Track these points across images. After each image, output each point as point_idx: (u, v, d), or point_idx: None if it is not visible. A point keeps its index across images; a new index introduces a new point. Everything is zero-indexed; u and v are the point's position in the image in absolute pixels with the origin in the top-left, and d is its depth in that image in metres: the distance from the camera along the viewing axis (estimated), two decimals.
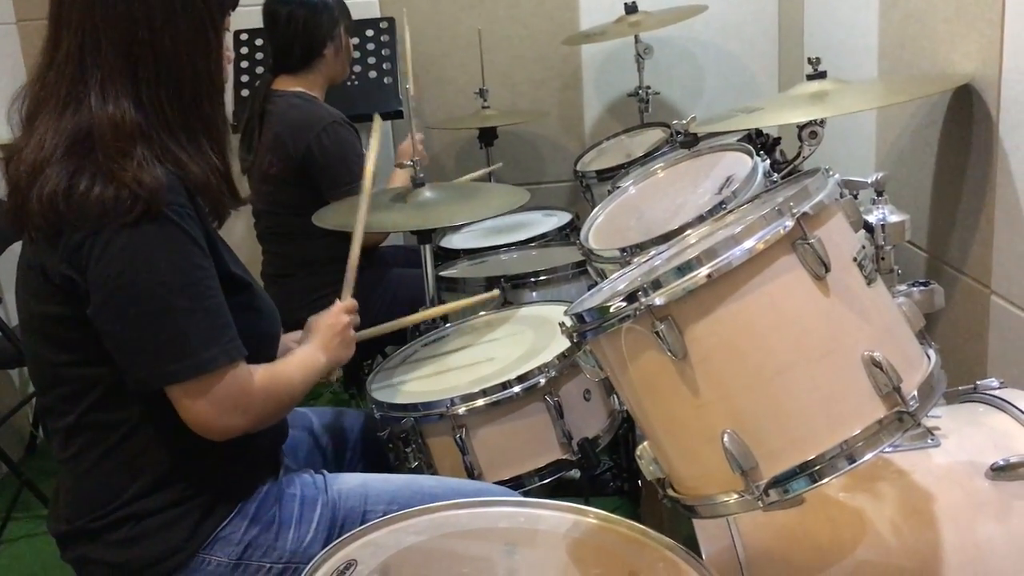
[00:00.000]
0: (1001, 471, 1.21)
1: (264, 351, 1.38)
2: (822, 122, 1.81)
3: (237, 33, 3.06)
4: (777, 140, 2.16)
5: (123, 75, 1.24)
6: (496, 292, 1.99)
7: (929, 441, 1.28)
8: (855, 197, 1.14)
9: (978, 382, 1.41)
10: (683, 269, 1.01)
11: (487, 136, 3.09)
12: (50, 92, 1.26)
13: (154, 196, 1.19)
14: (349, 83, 3.01)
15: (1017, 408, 1.31)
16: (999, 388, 1.39)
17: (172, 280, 1.21)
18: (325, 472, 1.48)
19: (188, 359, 1.22)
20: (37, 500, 2.56)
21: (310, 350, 1.48)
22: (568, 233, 2.66)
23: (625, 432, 1.93)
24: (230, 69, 1.39)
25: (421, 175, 1.97)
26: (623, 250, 1.56)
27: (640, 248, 1.50)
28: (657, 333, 1.01)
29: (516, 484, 1.56)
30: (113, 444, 1.30)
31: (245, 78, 3.09)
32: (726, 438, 1.00)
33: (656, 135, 2.76)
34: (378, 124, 1.92)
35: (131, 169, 1.19)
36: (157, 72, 1.26)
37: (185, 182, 1.25)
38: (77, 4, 1.24)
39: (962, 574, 1.18)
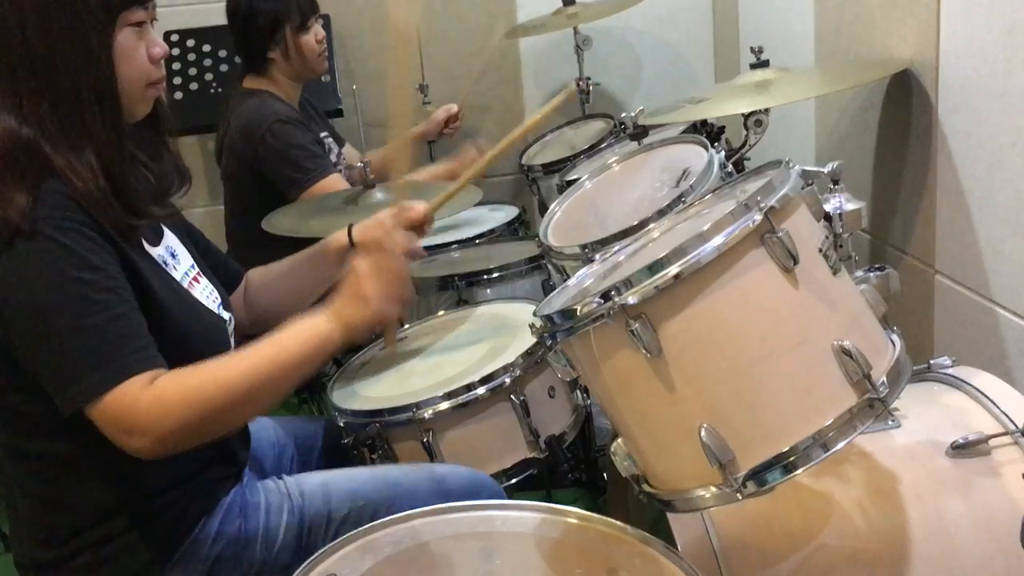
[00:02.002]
0: (961, 449, 1.25)
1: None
2: (766, 110, 1.83)
3: (168, 34, 2.99)
4: (722, 129, 2.19)
5: (7, 90, 1.18)
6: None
7: (890, 422, 1.31)
8: (812, 186, 1.16)
9: (931, 361, 1.45)
10: (654, 267, 1.01)
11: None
12: None
13: (23, 215, 1.13)
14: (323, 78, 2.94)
15: (972, 386, 1.35)
16: (952, 367, 1.43)
17: (48, 301, 1.14)
18: (285, 476, 1.45)
19: (77, 385, 1.15)
20: None
21: (313, 323, 1.27)
22: (517, 227, 2.66)
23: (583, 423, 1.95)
24: (149, 69, 1.28)
25: (371, 177, 1.95)
26: (584, 246, 1.57)
27: (602, 244, 1.51)
28: (631, 332, 1.02)
29: None
30: (57, 472, 1.26)
31: (178, 80, 3.01)
32: (703, 432, 1.02)
33: (599, 126, 2.78)
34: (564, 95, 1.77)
35: (7, 189, 1.14)
36: (36, 81, 1.19)
37: (78, 193, 1.18)
38: None
39: (928, 550, 1.21)
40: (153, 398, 1.16)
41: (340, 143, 2.76)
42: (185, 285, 1.37)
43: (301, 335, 1.27)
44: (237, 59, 2.92)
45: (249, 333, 1.54)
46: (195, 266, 1.43)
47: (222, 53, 3.00)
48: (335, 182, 2.37)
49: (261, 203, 2.36)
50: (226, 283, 1.56)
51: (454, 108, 2.85)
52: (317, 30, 2.49)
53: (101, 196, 1.20)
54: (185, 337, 1.28)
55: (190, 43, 3.04)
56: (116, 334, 1.16)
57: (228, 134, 2.43)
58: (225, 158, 2.47)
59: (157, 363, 1.19)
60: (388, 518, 1.19)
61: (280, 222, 2.00)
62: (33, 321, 1.15)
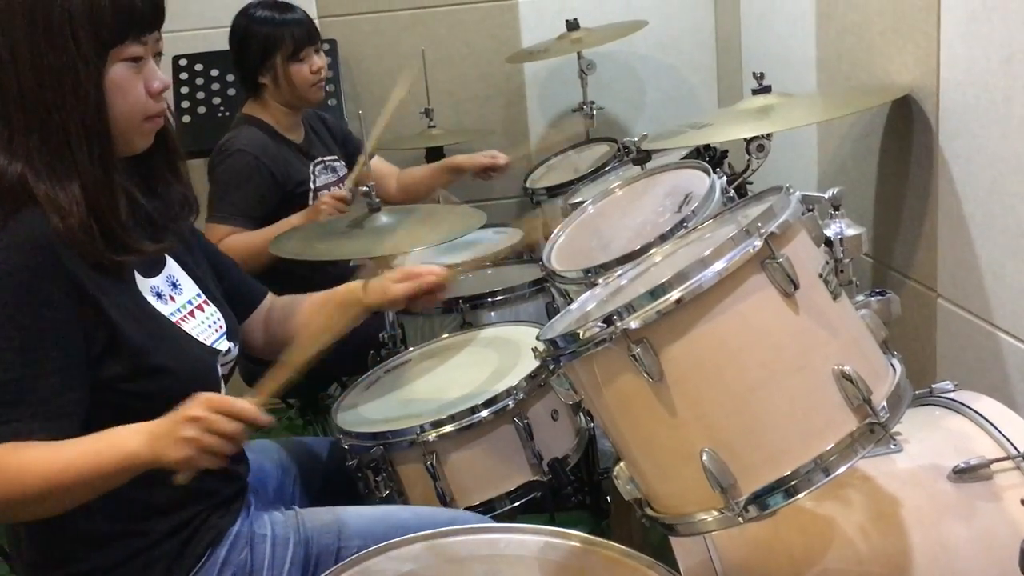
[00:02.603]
0: (963, 473, 1.25)
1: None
2: (768, 135, 1.85)
3: (176, 59, 3.03)
4: (724, 154, 2.21)
5: None
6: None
7: (892, 446, 1.32)
8: (812, 212, 1.17)
9: (933, 385, 1.46)
10: (656, 292, 1.02)
11: (434, 155, 3.09)
12: None
13: None
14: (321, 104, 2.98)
15: (973, 410, 1.35)
16: (954, 391, 1.43)
17: None
18: (296, 508, 1.46)
19: None
20: None
21: (128, 431, 1.19)
22: (521, 250, 2.67)
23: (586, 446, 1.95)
24: (146, 104, 1.27)
25: (377, 200, 1.96)
26: (587, 271, 1.58)
27: (604, 268, 1.52)
28: (633, 356, 1.02)
29: (488, 508, 1.55)
30: None
31: (186, 104, 3.05)
32: (705, 456, 1.02)
33: (602, 150, 2.80)
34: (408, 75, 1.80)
35: None
36: (26, 116, 1.19)
37: (56, 231, 1.17)
38: None
39: (930, 575, 1.21)
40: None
41: (350, 164, 2.75)
42: (177, 319, 1.35)
43: (114, 451, 1.17)
44: (184, 88, 2.98)
45: (261, 357, 1.55)
46: (201, 294, 1.42)
47: (229, 77, 3.03)
48: (221, 232, 2.33)
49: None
50: (243, 305, 1.57)
51: (502, 161, 2.78)
52: (313, 61, 2.47)
53: (83, 232, 1.19)
54: (164, 373, 1.27)
55: (198, 67, 3.07)
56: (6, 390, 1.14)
57: None
58: None
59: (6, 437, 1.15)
60: (391, 541, 1.20)
61: (285, 245, 2.01)
62: None
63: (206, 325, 1.40)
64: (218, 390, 1.37)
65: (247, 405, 1.19)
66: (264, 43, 2.43)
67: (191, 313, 1.39)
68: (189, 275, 1.41)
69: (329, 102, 3.09)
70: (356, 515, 1.43)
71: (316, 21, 3.19)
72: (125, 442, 1.17)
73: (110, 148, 1.24)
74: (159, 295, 1.34)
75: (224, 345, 1.42)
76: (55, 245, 1.18)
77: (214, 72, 3.06)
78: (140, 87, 1.26)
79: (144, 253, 1.30)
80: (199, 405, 1.17)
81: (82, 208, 1.20)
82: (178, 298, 1.37)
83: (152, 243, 1.32)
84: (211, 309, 1.43)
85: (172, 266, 1.41)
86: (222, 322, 1.44)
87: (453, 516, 1.46)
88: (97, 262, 1.22)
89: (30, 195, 1.18)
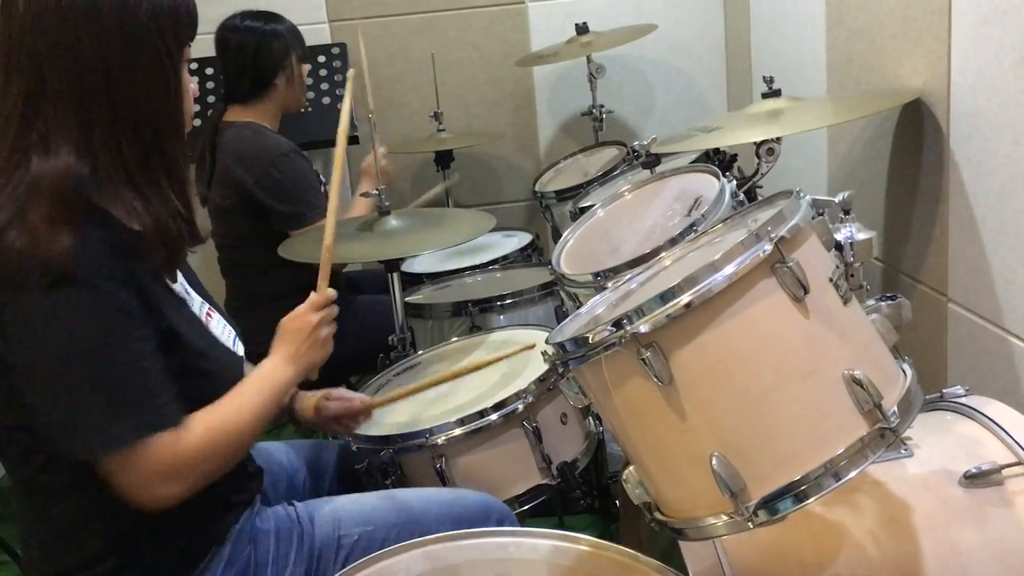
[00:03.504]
0: (974, 479, 1.24)
1: None
2: (779, 139, 1.85)
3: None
4: (734, 157, 2.21)
5: (71, 123, 1.19)
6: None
7: (903, 451, 1.31)
8: (823, 216, 1.17)
9: (944, 390, 1.45)
10: (666, 296, 1.02)
11: (443, 159, 3.10)
12: None
13: (73, 261, 1.13)
14: (302, 109, 2.99)
15: (985, 415, 1.35)
16: (965, 395, 1.43)
17: (84, 349, 1.15)
18: (295, 503, 1.46)
19: (99, 435, 1.16)
20: None
21: (271, 366, 1.38)
22: (530, 254, 2.68)
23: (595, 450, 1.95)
24: (192, 105, 1.33)
25: (387, 203, 1.97)
26: (596, 275, 1.58)
27: (614, 272, 1.52)
28: (643, 360, 1.02)
29: None
30: (68, 505, 1.26)
31: (197, 107, 3.05)
32: (715, 461, 1.02)
33: (611, 153, 2.80)
34: (351, 80, 1.83)
35: (61, 232, 1.13)
36: (114, 114, 1.20)
37: (124, 235, 1.19)
38: (26, 47, 1.18)
39: None
40: (198, 443, 1.22)
41: None
42: (203, 320, 1.37)
43: (268, 380, 1.35)
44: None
45: None
46: (205, 303, 1.43)
47: (209, 85, 3.03)
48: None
49: (256, 232, 2.39)
50: None
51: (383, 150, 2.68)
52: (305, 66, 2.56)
53: (174, 224, 1.24)
54: (208, 374, 1.30)
55: None
56: (145, 387, 1.18)
57: (222, 166, 2.41)
58: (218, 191, 2.45)
59: (178, 416, 1.21)
60: (400, 544, 1.20)
61: (296, 248, 2.02)
62: (61, 367, 1.15)
63: (220, 329, 1.41)
64: None
65: (324, 295, 1.44)
66: (287, 42, 2.47)
67: (208, 315, 1.40)
68: (191, 284, 1.43)
69: (338, 106, 3.10)
70: (354, 503, 1.43)
71: (326, 25, 3.22)
72: (277, 375, 1.36)
73: (184, 142, 1.30)
74: (182, 301, 1.35)
75: (241, 350, 1.43)
76: (127, 249, 1.20)
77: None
78: (192, 88, 1.32)
79: (203, 240, 1.37)
80: (310, 310, 1.42)
81: (172, 201, 1.25)
82: (193, 304, 1.38)
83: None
84: (218, 316, 1.43)
85: (180, 274, 1.42)
86: (231, 329, 1.45)
87: (456, 495, 1.46)
88: (158, 265, 1.26)
89: (97, 204, 1.19)
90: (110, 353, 1.16)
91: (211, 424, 1.24)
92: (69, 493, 1.25)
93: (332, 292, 1.45)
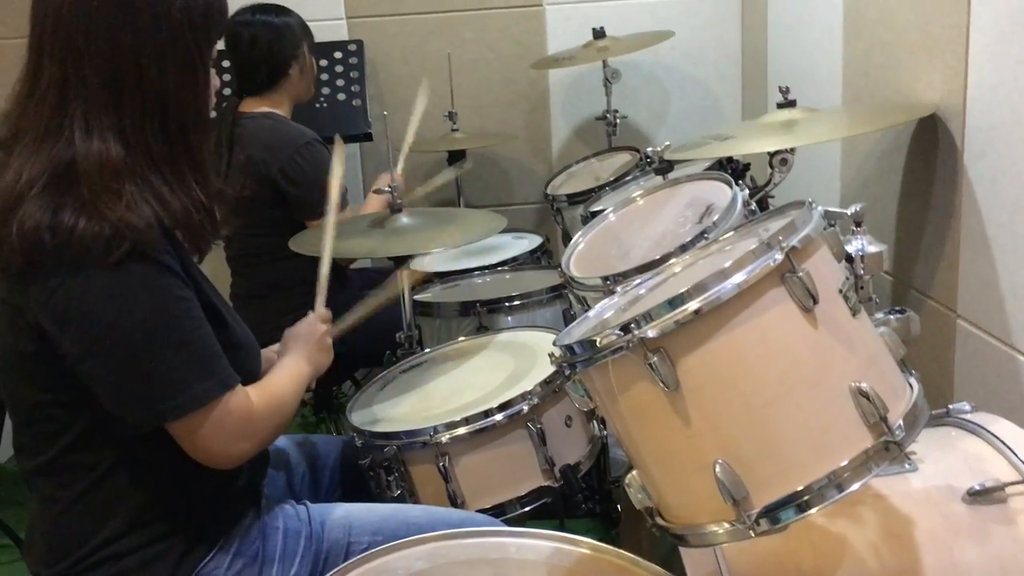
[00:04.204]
0: (978, 495, 1.24)
1: (247, 385, 1.35)
2: (792, 150, 1.85)
3: None
4: (747, 167, 2.21)
5: (107, 107, 1.21)
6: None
7: (907, 466, 1.31)
8: (834, 227, 1.17)
9: (950, 406, 1.44)
10: (675, 302, 1.02)
11: (456, 158, 3.09)
12: (29, 123, 1.23)
13: (141, 237, 1.17)
14: (317, 105, 3.01)
15: (990, 432, 1.34)
16: (971, 412, 1.42)
17: (157, 317, 1.19)
18: (308, 503, 1.47)
19: (183, 395, 1.21)
20: None
21: (294, 361, 1.48)
22: (539, 256, 2.68)
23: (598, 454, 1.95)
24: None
25: (399, 201, 1.97)
26: (606, 278, 1.58)
27: (623, 277, 1.52)
28: (650, 365, 1.02)
29: (498, 512, 1.56)
30: (90, 484, 1.27)
31: None
32: (718, 468, 1.02)
33: (624, 159, 2.79)
34: (340, 147, 1.92)
35: (118, 208, 1.17)
36: (143, 104, 1.23)
37: (164, 218, 1.22)
38: (60, 33, 1.21)
39: None
40: (261, 405, 1.31)
41: None
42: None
43: (295, 370, 1.46)
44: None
45: None
46: None
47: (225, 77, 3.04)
48: (348, 212, 2.42)
49: (271, 221, 2.41)
50: None
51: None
52: None
53: (197, 215, 1.27)
54: (240, 347, 1.35)
55: None
56: (214, 349, 1.25)
57: (245, 155, 2.42)
58: (237, 180, 2.45)
59: (238, 378, 1.28)
60: (400, 541, 1.20)
61: (307, 242, 2.02)
62: (135, 338, 1.19)
63: None
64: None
65: (326, 313, 1.59)
66: (301, 31, 2.53)
67: None
68: None
69: (353, 103, 3.11)
70: (367, 511, 1.44)
71: (343, 21, 3.23)
72: (301, 369, 1.46)
73: (209, 136, 1.35)
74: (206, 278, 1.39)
75: None
76: (170, 231, 1.25)
77: None
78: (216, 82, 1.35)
79: (224, 235, 1.40)
80: (319, 320, 1.56)
81: (196, 193, 1.28)
82: None
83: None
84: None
85: None
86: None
87: (463, 517, 1.46)
88: (199, 246, 1.32)
89: (147, 186, 1.22)
90: (182, 320, 1.22)
91: (263, 393, 1.34)
92: (97, 469, 1.27)
93: (329, 312, 1.60)
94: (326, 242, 1.71)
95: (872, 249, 1.28)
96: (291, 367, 1.46)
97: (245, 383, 1.34)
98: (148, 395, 1.21)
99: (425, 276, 2.00)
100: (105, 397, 1.22)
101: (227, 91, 3.01)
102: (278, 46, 2.49)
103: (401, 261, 1.99)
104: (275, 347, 1.57)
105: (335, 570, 1.15)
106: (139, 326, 1.18)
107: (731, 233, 1.38)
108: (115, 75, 1.22)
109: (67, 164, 1.19)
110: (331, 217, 1.76)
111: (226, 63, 3.01)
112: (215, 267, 2.59)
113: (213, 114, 1.81)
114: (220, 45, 2.45)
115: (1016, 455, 1.28)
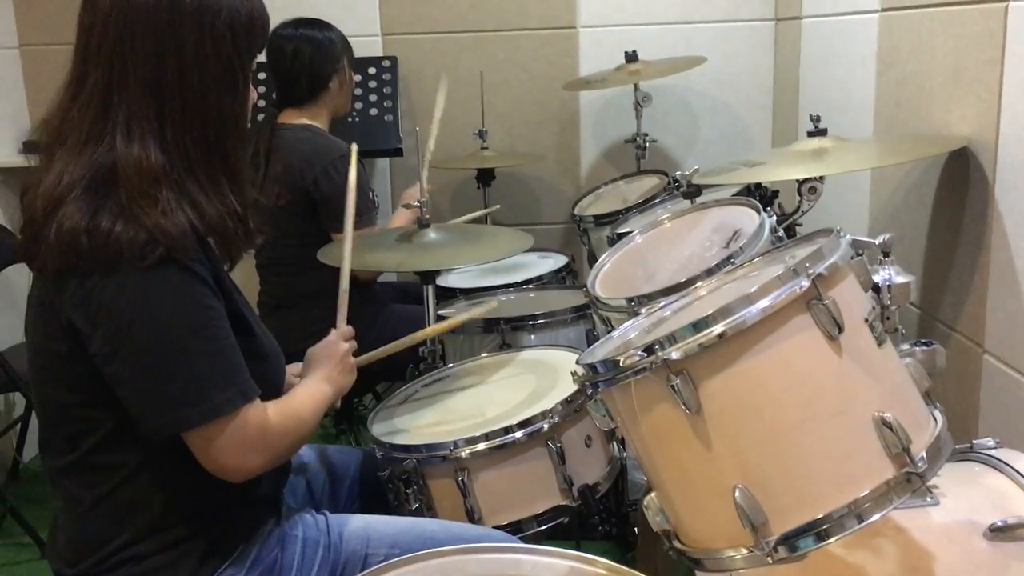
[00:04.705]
0: (999, 532, 1.22)
1: (269, 397, 1.36)
2: (821, 178, 1.84)
3: None
4: (775, 194, 2.20)
5: (149, 114, 1.24)
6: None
7: (928, 499, 1.29)
8: (862, 256, 1.17)
9: (974, 441, 1.43)
10: (699, 325, 1.03)
11: (485, 177, 3.11)
12: (72, 126, 1.25)
13: (175, 243, 1.19)
14: (350, 119, 3.04)
15: (1014, 469, 1.33)
16: (995, 448, 1.41)
17: (184, 324, 1.21)
18: (327, 513, 1.47)
19: (204, 403, 1.22)
20: (19, 527, 2.52)
21: (315, 382, 1.48)
22: (564, 276, 2.69)
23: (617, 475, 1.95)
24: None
25: (427, 216, 1.99)
26: (631, 300, 1.58)
27: (648, 299, 1.52)
28: (672, 387, 1.03)
29: (515, 529, 1.56)
30: (114, 486, 1.29)
31: None
32: (737, 493, 1.02)
33: (652, 182, 2.80)
34: (353, 155, 1.93)
35: (154, 214, 1.19)
36: (184, 111, 1.25)
37: (198, 225, 1.24)
38: (107, 40, 1.24)
39: None
40: (277, 421, 1.31)
41: None
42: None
43: (316, 391, 1.47)
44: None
45: None
46: None
47: (260, 89, 3.08)
48: (374, 229, 2.46)
49: (303, 232, 2.45)
50: None
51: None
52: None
53: (232, 223, 1.29)
54: (265, 357, 1.37)
55: None
56: (238, 360, 1.26)
57: (282, 165, 2.46)
58: (273, 190, 2.47)
59: (258, 391, 1.29)
60: (415, 554, 1.20)
61: (335, 254, 2.04)
62: (160, 342, 1.20)
63: None
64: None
65: (348, 330, 1.59)
66: (342, 46, 2.58)
67: None
68: None
69: (385, 118, 3.14)
70: (385, 524, 1.45)
71: (379, 38, 3.27)
72: (321, 388, 1.47)
73: (246, 146, 1.36)
74: (237, 287, 1.40)
75: None
76: (204, 238, 1.26)
77: None
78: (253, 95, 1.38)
79: (258, 244, 1.41)
80: (341, 338, 1.56)
81: (231, 201, 1.30)
82: None
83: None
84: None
85: None
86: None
87: (481, 534, 1.46)
88: (231, 253, 1.33)
89: (183, 192, 1.24)
90: (207, 328, 1.23)
91: (282, 410, 1.34)
92: (122, 470, 1.28)
93: (351, 329, 1.61)
94: (345, 256, 1.72)
95: (899, 280, 1.28)
96: (311, 387, 1.46)
97: (269, 393, 1.35)
98: (169, 401, 1.21)
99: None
100: (128, 401, 1.23)
101: (262, 103, 3.07)
102: (319, 60, 2.53)
103: (428, 275, 2.00)
104: (296, 366, 1.58)
105: None
106: (165, 330, 1.20)
107: (758, 259, 1.38)
108: (158, 82, 1.24)
109: (108, 168, 1.21)
110: (349, 230, 1.76)
111: (262, 75, 3.08)
112: (244, 275, 2.63)
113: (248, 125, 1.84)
114: (261, 57, 2.53)
115: None
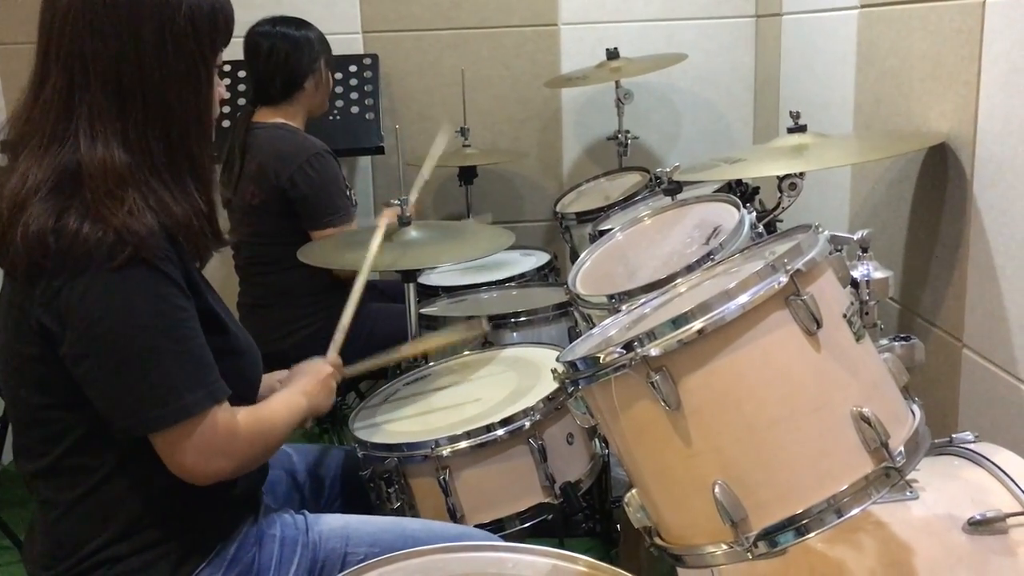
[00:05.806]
0: (978, 525, 1.23)
1: (245, 394, 1.36)
2: (802, 174, 1.85)
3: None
4: (756, 190, 2.21)
5: (111, 113, 1.22)
6: (485, 328, 2.00)
7: (908, 493, 1.30)
8: (840, 252, 1.17)
9: (953, 435, 1.44)
10: (678, 321, 1.02)
11: (467, 174, 3.11)
12: (35, 127, 1.24)
13: (143, 243, 1.18)
14: (331, 118, 3.03)
15: (993, 463, 1.34)
16: (974, 442, 1.42)
17: (153, 324, 1.19)
18: (306, 512, 1.47)
19: (172, 404, 1.20)
20: None
21: (292, 393, 1.48)
22: (547, 273, 2.69)
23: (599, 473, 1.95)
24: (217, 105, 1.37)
25: (408, 215, 1.98)
26: (611, 297, 1.58)
27: (629, 296, 1.52)
28: (652, 383, 1.03)
29: (497, 527, 1.56)
30: (89, 488, 1.28)
31: (227, 108, 3.09)
32: (717, 489, 1.02)
33: (634, 179, 2.81)
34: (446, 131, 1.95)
35: (121, 214, 1.18)
36: (146, 111, 1.24)
37: (166, 225, 1.23)
38: (66, 39, 1.22)
39: None
40: (247, 427, 1.30)
41: None
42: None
43: (292, 402, 1.46)
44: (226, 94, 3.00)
45: None
46: None
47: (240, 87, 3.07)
48: (352, 226, 2.45)
49: (280, 230, 2.43)
50: None
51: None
52: None
53: (198, 223, 1.27)
54: (240, 354, 1.36)
55: None
56: (208, 361, 1.25)
57: (256, 163, 2.45)
58: (248, 189, 2.47)
59: (228, 392, 1.27)
60: (396, 553, 1.20)
61: (315, 253, 2.03)
62: (129, 342, 1.19)
63: None
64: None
65: (337, 361, 1.61)
66: (320, 45, 2.56)
67: None
68: None
69: (366, 116, 3.13)
70: (365, 523, 1.44)
71: (359, 35, 3.26)
72: (297, 399, 1.46)
73: (211, 145, 1.34)
74: (209, 285, 1.39)
75: None
76: (173, 237, 1.25)
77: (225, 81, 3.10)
78: (220, 91, 1.35)
79: (226, 243, 1.40)
80: (328, 364, 1.58)
81: (196, 201, 1.28)
82: None
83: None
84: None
85: None
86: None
87: (462, 532, 1.46)
88: (200, 252, 1.31)
89: (149, 192, 1.23)
90: (176, 328, 1.21)
91: (252, 416, 1.32)
92: (97, 473, 1.27)
93: (339, 360, 1.63)
94: (353, 294, 1.73)
95: (878, 275, 1.28)
96: (287, 397, 1.46)
97: (245, 390, 1.35)
98: (139, 402, 1.20)
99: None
100: (97, 401, 1.22)
101: (241, 100, 3.05)
102: (295, 59, 2.51)
103: (409, 274, 2.00)
104: (278, 374, 1.58)
105: None
106: (134, 330, 1.18)
107: (737, 255, 1.38)
108: (119, 82, 1.22)
109: (72, 169, 1.20)
110: (363, 277, 1.78)
111: (242, 73, 3.06)
112: (224, 275, 2.62)
113: (226, 123, 1.83)
114: (238, 54, 2.52)
115: (1018, 486, 1.27)
